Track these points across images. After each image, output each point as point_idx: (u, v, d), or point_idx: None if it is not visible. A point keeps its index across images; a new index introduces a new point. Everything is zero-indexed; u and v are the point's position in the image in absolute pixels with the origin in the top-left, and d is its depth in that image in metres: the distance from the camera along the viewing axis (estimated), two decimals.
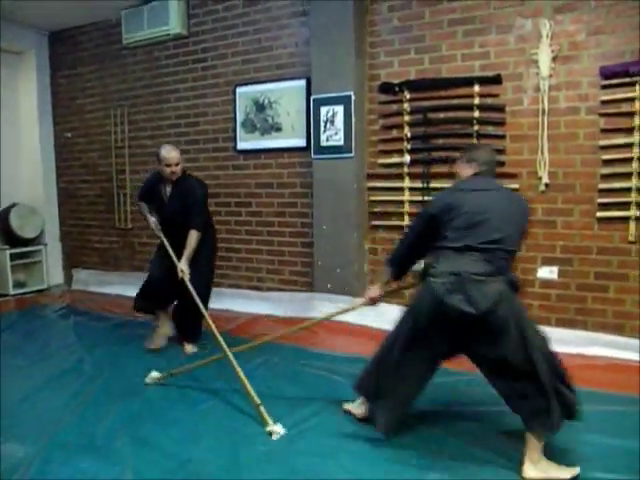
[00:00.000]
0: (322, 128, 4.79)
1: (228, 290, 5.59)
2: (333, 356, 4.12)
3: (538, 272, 4.20)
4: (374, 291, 3.01)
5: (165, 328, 4.40)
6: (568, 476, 2.35)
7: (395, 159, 4.70)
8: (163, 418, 3.08)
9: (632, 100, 3.85)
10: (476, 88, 4.31)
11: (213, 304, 5.44)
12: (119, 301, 5.78)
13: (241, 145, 5.44)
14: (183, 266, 3.97)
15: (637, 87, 3.83)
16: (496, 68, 4.24)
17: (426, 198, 4.56)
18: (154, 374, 3.60)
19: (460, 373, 3.35)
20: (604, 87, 3.92)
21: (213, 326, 3.66)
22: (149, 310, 4.48)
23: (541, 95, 4.08)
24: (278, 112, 5.18)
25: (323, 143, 4.80)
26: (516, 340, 2.36)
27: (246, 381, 3.16)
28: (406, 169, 4.65)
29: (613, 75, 3.89)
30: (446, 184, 4.40)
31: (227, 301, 5.46)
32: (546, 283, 4.18)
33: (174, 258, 4.04)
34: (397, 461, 2.58)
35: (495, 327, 2.37)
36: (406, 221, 4.66)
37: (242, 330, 4.78)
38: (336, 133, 4.74)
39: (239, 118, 5.40)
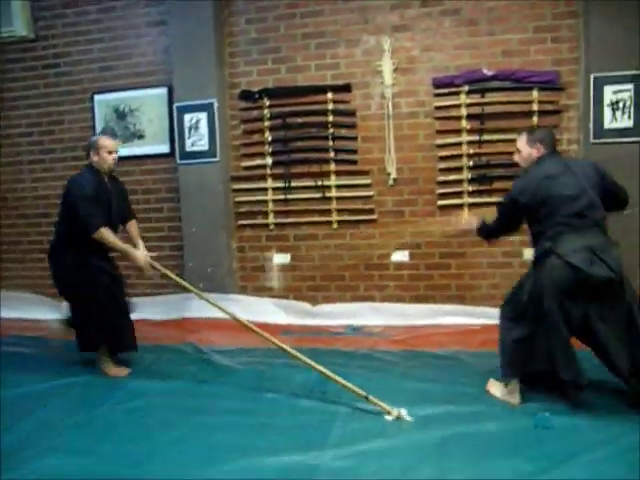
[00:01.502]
0: (187, 134, 4.98)
1: None
2: (229, 350, 4.21)
3: (392, 256, 4.80)
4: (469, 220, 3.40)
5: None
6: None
7: (258, 161, 5.04)
8: None
9: (458, 106, 4.60)
10: (329, 95, 4.81)
11: None
12: None
13: None
14: (145, 252, 3.70)
15: (461, 96, 4.58)
16: (346, 77, 4.79)
17: (289, 196, 4.97)
18: None
19: None
20: (436, 95, 4.64)
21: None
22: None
23: (386, 102, 4.70)
24: (140, 119, 5.27)
25: (188, 148, 5.00)
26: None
27: (342, 380, 3.08)
28: (269, 170, 5.02)
29: (443, 85, 4.62)
30: (307, 183, 4.90)
31: None
32: (399, 265, 4.80)
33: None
34: None
35: (622, 286, 2.75)
36: (271, 219, 5.04)
37: None
38: (200, 139, 4.96)
39: (98, 126, 5.39)
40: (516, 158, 3.15)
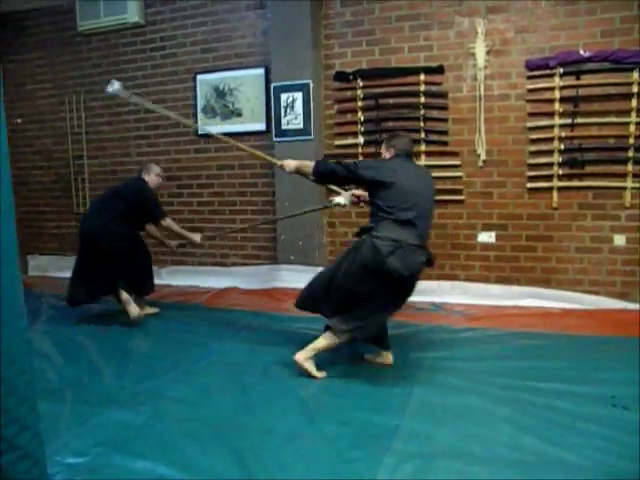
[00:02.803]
0: (283, 113, 5.23)
1: (192, 268, 5.96)
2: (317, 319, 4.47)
3: (478, 237, 4.88)
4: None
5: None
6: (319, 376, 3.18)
7: (350, 140, 5.21)
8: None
9: (552, 89, 4.56)
10: (421, 77, 4.90)
11: (179, 281, 5.85)
12: None
13: (202, 129, 5.78)
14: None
15: (555, 78, 4.54)
16: (439, 59, 4.85)
17: None
18: None
19: None
20: (529, 77, 4.62)
21: None
22: None
23: (478, 84, 4.73)
24: (238, 98, 5.58)
25: (284, 127, 5.24)
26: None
27: None
28: (360, 149, 5.18)
29: (536, 67, 4.59)
30: None
31: (192, 278, 5.83)
32: (485, 246, 4.86)
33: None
34: None
35: (409, 286, 3.14)
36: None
37: (213, 301, 5.16)
38: (296, 117, 5.19)
39: (200, 104, 5.74)
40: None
